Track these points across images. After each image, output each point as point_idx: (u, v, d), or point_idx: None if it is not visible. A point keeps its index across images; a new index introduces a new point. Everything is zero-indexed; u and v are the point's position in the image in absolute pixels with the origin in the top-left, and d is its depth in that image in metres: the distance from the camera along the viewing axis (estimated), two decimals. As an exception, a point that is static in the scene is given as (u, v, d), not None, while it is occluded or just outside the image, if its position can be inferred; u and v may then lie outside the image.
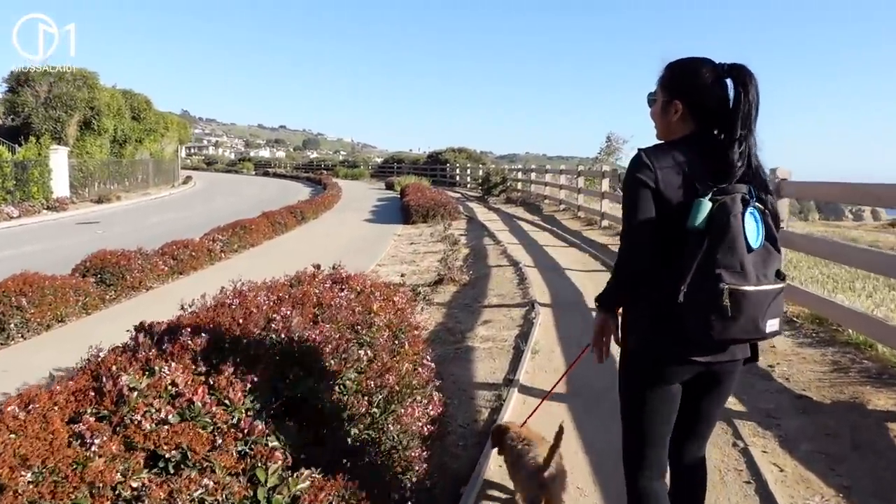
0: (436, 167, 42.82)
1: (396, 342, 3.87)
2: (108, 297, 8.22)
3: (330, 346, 3.06)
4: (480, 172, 30.23)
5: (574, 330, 6.00)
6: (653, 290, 1.95)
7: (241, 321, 3.10)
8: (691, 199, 1.87)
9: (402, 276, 9.29)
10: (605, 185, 14.83)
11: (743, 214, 1.82)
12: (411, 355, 3.70)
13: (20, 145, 23.85)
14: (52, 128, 25.48)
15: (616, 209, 14.08)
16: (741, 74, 1.94)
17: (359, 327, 3.61)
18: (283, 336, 3.06)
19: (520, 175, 26.20)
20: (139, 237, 12.60)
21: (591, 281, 8.35)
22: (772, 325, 1.84)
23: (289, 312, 3.30)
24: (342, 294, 4.19)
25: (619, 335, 2.12)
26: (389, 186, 34.37)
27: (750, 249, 1.81)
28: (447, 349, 5.65)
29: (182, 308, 3.77)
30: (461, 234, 14.47)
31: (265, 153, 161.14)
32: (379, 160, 68.50)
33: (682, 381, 2.03)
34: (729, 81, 1.96)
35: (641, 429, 2.09)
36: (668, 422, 2.08)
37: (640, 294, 1.99)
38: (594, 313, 2.21)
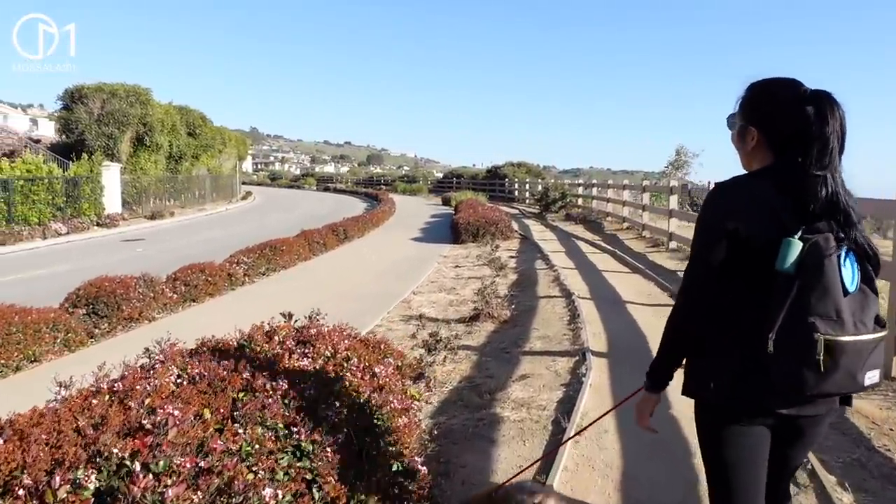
0: (494, 182, 41.57)
1: (368, 442, 2.62)
2: (100, 330, 7.27)
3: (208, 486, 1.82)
4: (539, 188, 28.74)
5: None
6: (736, 336, 1.74)
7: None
8: (777, 238, 1.66)
9: (418, 318, 8.05)
10: (674, 201, 13.29)
11: (838, 255, 1.63)
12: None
13: (74, 162, 23.79)
14: (105, 144, 25.38)
15: (684, 228, 12.51)
16: (822, 102, 1.70)
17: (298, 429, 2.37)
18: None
19: (580, 190, 24.67)
20: (177, 255, 11.81)
21: (656, 318, 6.91)
22: (871, 377, 1.64)
23: (177, 414, 2.09)
24: (302, 363, 2.97)
25: (688, 384, 1.86)
26: (446, 202, 33.31)
27: (846, 293, 1.61)
28: (467, 419, 4.36)
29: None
30: (512, 256, 13.13)
31: (330, 169, 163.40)
32: (440, 175, 67.69)
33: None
34: (810, 109, 1.70)
35: (730, 486, 1.84)
36: (757, 474, 1.84)
37: (716, 340, 1.78)
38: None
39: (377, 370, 3.10)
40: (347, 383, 2.88)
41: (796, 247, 1.62)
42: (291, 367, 2.93)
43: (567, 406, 4.47)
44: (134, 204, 27.03)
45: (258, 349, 3.16)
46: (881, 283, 4.88)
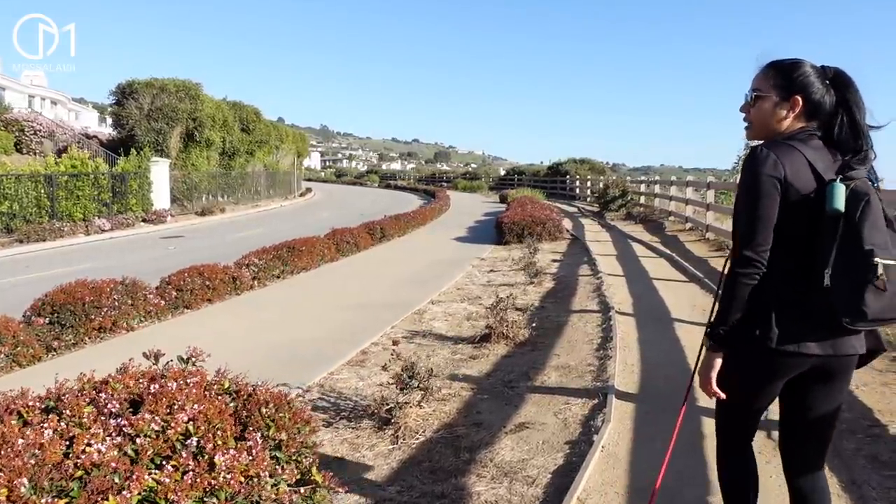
0: (556, 179, 39.94)
1: None
2: (63, 342, 6.44)
3: None
4: (601, 185, 27.07)
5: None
6: (778, 283, 1.90)
7: None
8: (816, 187, 1.88)
9: (424, 336, 6.90)
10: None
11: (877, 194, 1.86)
12: None
13: (122, 158, 23.67)
14: (154, 139, 25.19)
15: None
16: (844, 76, 1.98)
17: None
18: None
19: (642, 188, 22.98)
20: (205, 255, 11.06)
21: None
22: None
23: None
24: (101, 446, 1.88)
25: (732, 333, 1.96)
26: (503, 199, 31.96)
27: (889, 225, 1.83)
28: (421, 496, 3.19)
29: None
30: (555, 260, 11.82)
31: (396, 166, 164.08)
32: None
33: (792, 378, 1.97)
34: (837, 80, 1.98)
35: (745, 409, 2.07)
36: (765, 403, 2.07)
37: (765, 288, 1.90)
38: None
39: (219, 458, 1.98)
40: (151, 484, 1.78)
41: (841, 188, 1.82)
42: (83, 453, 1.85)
43: (564, 479, 3.25)
44: (185, 200, 26.86)
45: (70, 414, 2.11)
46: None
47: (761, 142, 2.01)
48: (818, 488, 2.07)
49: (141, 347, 2.81)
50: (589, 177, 35.07)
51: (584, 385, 4.73)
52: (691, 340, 5.78)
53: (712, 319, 2.01)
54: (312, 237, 12.06)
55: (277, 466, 2.25)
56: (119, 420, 2.09)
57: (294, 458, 2.39)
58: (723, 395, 2.00)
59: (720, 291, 1.99)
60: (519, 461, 3.53)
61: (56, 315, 6.54)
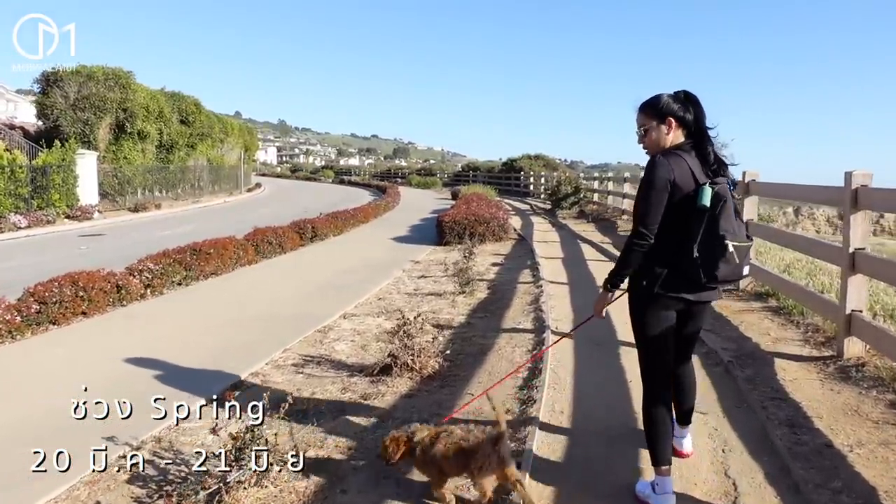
0: (510, 176, 39.04)
1: None
2: None
3: None
4: (553, 181, 26.11)
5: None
6: (661, 250, 2.74)
7: None
8: (693, 187, 2.72)
9: (320, 362, 5.74)
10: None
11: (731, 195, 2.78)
12: None
13: (44, 150, 21.83)
14: (81, 130, 23.39)
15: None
16: (691, 95, 2.87)
17: None
18: None
19: (595, 184, 22.09)
20: (120, 255, 9.70)
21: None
22: (746, 269, 2.76)
23: None
24: None
25: (631, 282, 2.90)
26: (455, 196, 30.82)
27: (737, 216, 2.75)
28: None
29: None
30: (495, 264, 10.73)
31: (355, 161, 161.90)
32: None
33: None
34: (692, 101, 2.87)
35: (655, 348, 2.90)
36: (669, 342, 2.91)
37: (652, 254, 2.77)
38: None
39: None
40: None
41: (709, 190, 2.68)
42: None
43: None
44: (116, 195, 25.08)
45: None
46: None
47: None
48: (687, 372, 3.18)
49: None
50: (543, 173, 34.19)
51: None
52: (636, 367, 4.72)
53: (611, 272, 2.94)
54: (225, 238, 10.73)
55: None
56: None
57: None
58: (603, 317, 3.10)
59: (620, 255, 2.88)
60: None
61: None
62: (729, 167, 2.85)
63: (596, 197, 21.04)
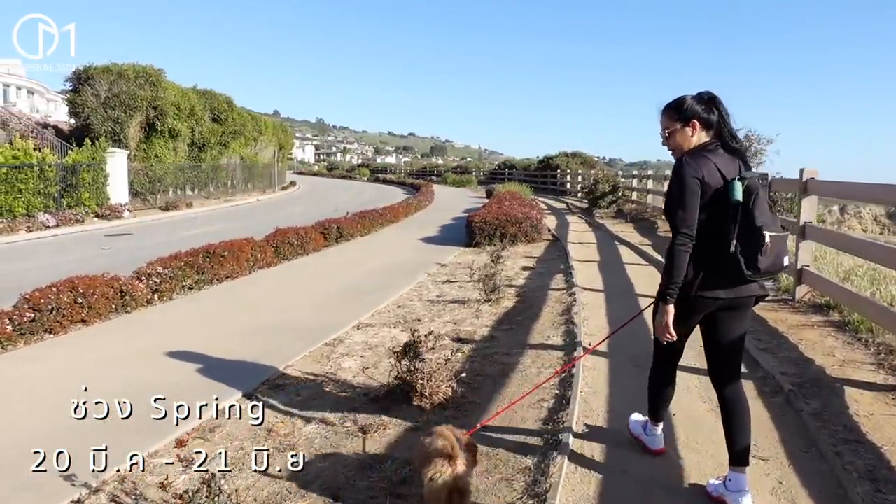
0: (546, 174, 38.17)
1: None
2: None
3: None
4: (591, 179, 25.22)
5: None
6: (696, 252, 2.73)
7: None
8: (722, 184, 2.73)
9: (331, 378, 5.14)
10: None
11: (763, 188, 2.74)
12: None
13: (74, 148, 21.78)
14: (112, 129, 23.33)
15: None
16: (715, 96, 2.90)
17: None
18: None
19: (634, 182, 21.19)
20: (140, 256, 9.31)
21: (710, 409, 3.87)
22: (786, 261, 2.76)
23: None
24: None
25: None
26: (489, 194, 30.18)
27: (770, 209, 2.74)
28: None
29: None
30: (526, 267, 10.06)
31: (392, 159, 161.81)
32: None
33: (707, 315, 2.85)
34: (716, 102, 2.89)
35: (669, 343, 2.90)
36: (687, 332, 2.96)
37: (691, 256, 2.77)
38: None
39: None
40: None
41: (740, 184, 2.69)
42: None
43: None
44: (147, 194, 24.99)
45: None
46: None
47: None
48: (738, 397, 2.95)
49: None
50: (580, 171, 33.27)
51: (513, 500, 2.98)
52: (687, 408, 4.04)
53: (662, 282, 2.84)
54: (241, 240, 10.25)
55: None
56: None
57: None
58: (675, 337, 2.87)
59: (666, 261, 2.82)
60: None
61: None
62: (752, 167, 2.96)
63: (635, 196, 20.17)
